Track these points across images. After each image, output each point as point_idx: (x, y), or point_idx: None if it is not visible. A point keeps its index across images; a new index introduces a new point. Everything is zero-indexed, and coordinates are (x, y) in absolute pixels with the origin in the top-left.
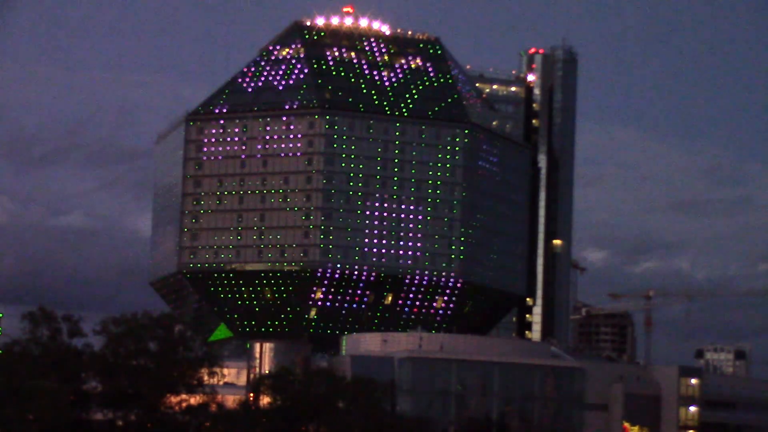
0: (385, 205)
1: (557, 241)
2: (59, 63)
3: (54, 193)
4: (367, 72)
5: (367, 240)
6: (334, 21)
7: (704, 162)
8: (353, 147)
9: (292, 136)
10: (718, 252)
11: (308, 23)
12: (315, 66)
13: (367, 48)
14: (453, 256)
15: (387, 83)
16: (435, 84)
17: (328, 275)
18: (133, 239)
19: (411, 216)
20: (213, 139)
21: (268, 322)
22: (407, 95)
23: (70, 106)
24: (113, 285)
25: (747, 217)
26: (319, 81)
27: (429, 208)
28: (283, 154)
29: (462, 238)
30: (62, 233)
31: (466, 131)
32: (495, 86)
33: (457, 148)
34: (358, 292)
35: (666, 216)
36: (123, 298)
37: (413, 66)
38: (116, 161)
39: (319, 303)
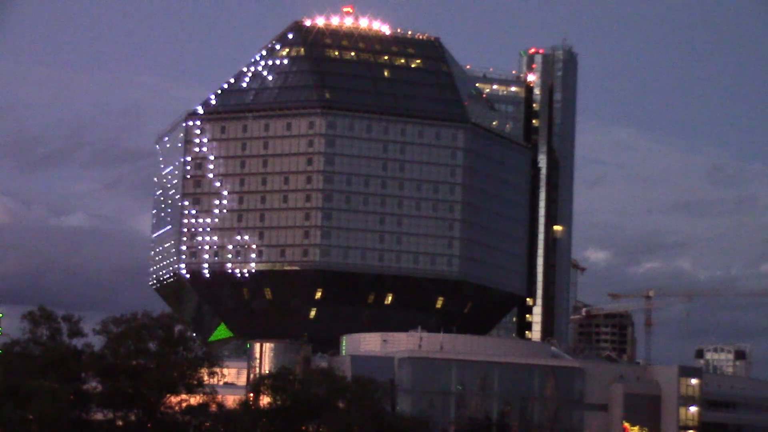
0: (385, 205)
1: (558, 227)
2: (62, 64)
3: (56, 194)
4: (367, 72)
5: (367, 240)
6: (334, 21)
7: (706, 162)
8: (353, 147)
9: (292, 136)
10: (720, 252)
11: (308, 23)
12: (315, 66)
13: (367, 48)
14: (453, 256)
15: (387, 83)
16: (435, 84)
17: (328, 275)
18: (134, 239)
19: (411, 216)
20: (213, 139)
21: (268, 322)
22: (407, 95)
23: (73, 107)
24: (113, 285)
25: (749, 217)
26: (319, 81)
27: (429, 208)
28: (283, 154)
29: (462, 238)
30: (64, 233)
31: (466, 131)
32: (495, 86)
33: (457, 148)
34: (358, 292)
35: (668, 216)
36: (123, 298)
37: (413, 66)
38: (119, 162)
39: (319, 303)
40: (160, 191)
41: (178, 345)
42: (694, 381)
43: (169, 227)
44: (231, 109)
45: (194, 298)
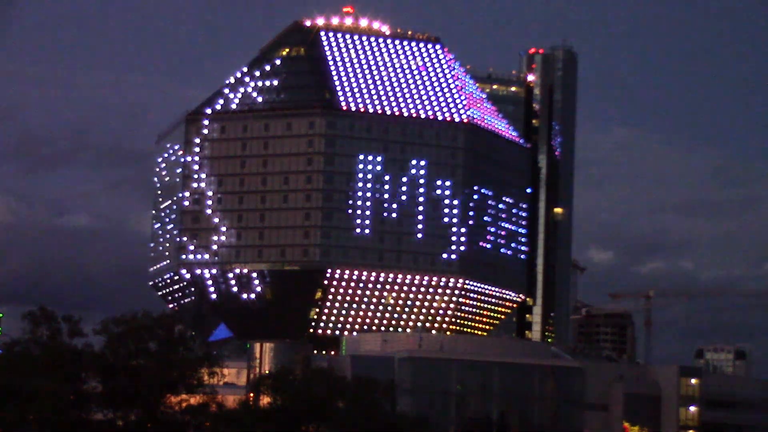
0: (385, 205)
1: (558, 209)
2: (65, 65)
3: (59, 194)
4: (366, 72)
5: (367, 240)
6: (334, 21)
7: (709, 163)
8: (353, 147)
9: (292, 136)
10: (723, 252)
11: (308, 23)
12: (315, 66)
13: (367, 48)
14: (453, 256)
15: (387, 83)
16: (435, 84)
17: (328, 275)
18: (136, 239)
19: (411, 216)
20: (213, 139)
21: (268, 322)
22: (407, 95)
23: (76, 108)
24: (114, 285)
25: (752, 217)
26: (319, 81)
27: (428, 208)
28: (283, 154)
29: (462, 239)
30: (66, 234)
31: (466, 131)
32: (495, 86)
33: (456, 148)
34: (358, 292)
35: (671, 217)
36: (123, 298)
37: (413, 66)
38: (122, 163)
39: (319, 303)
40: (160, 191)
41: (178, 345)
42: (694, 381)
43: (169, 227)
44: (231, 109)
45: (194, 298)
